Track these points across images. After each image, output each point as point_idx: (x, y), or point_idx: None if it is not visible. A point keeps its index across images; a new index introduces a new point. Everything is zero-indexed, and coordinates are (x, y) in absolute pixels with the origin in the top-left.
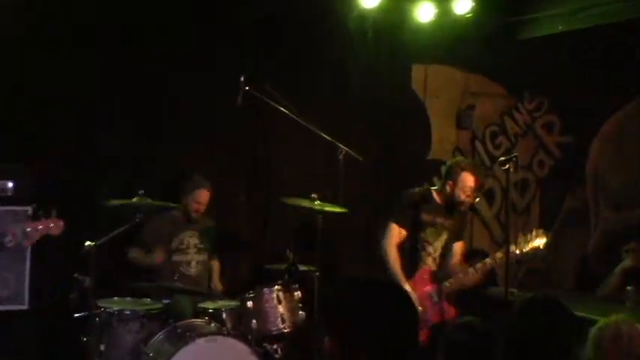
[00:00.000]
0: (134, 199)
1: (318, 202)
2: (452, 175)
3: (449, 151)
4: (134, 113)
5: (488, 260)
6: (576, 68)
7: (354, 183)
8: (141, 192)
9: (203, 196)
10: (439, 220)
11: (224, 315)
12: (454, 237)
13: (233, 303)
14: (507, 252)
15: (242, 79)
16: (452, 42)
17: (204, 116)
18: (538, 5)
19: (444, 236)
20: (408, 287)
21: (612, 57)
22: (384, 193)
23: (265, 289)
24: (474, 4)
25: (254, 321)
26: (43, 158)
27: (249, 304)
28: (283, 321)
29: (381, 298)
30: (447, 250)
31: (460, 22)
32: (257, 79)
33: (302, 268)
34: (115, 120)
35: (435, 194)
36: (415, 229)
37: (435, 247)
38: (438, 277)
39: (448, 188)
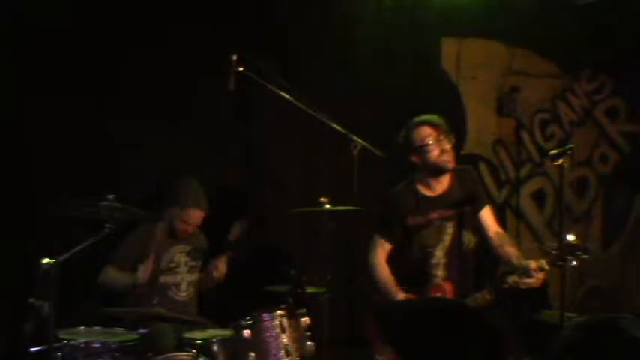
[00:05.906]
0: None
1: (329, 207)
2: (408, 146)
3: (488, 144)
4: (101, 99)
5: (479, 296)
6: None
7: (371, 185)
8: (111, 197)
9: (194, 216)
10: (434, 215)
11: (215, 347)
12: (465, 219)
13: (226, 332)
14: (563, 265)
15: (233, 58)
16: (492, 9)
17: (183, 105)
18: None
19: (450, 230)
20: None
21: None
22: None
23: (265, 315)
24: None
25: (252, 354)
26: None
27: (246, 333)
28: (288, 353)
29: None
30: (457, 244)
31: None
32: (250, 57)
33: (310, 289)
34: (79, 109)
35: (418, 185)
36: (407, 239)
37: (438, 252)
38: (458, 291)
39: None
